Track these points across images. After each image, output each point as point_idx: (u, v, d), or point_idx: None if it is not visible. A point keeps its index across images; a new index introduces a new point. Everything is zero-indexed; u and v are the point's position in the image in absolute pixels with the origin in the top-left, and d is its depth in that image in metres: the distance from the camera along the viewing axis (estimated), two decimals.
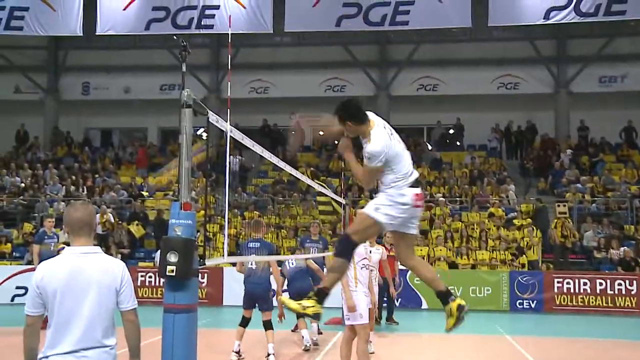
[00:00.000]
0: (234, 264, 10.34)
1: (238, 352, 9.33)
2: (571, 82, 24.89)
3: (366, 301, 7.59)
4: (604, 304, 16.11)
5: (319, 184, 11.41)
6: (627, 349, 11.37)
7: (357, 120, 4.80)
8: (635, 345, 12.03)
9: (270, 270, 9.43)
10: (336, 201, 12.27)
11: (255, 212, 19.20)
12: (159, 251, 8.68)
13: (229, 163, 5.43)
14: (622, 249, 17.47)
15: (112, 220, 19.93)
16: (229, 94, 5.56)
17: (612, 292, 16.11)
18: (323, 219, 13.40)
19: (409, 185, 4.84)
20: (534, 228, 18.32)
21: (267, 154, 6.63)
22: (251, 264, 9.21)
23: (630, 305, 15.98)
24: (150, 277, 17.33)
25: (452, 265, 17.43)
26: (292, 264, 10.17)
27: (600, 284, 16.22)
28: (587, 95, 24.61)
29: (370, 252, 8.65)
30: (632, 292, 16.01)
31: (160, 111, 25.56)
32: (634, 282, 16.08)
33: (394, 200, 4.79)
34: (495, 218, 19.09)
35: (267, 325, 9.26)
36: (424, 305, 16.45)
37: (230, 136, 5.24)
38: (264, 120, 25.99)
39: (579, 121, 24.66)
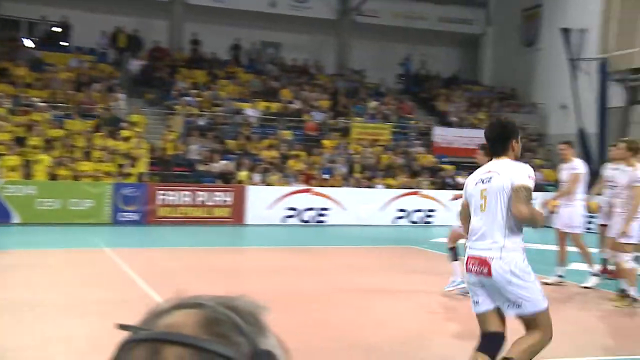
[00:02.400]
0: None
1: None
2: None
3: None
4: (203, 215, 17.94)
5: None
6: (219, 253, 13.16)
7: None
8: (227, 250, 14.08)
9: None
10: None
11: None
12: None
13: None
14: (222, 162, 19.51)
15: None
16: None
17: (210, 203, 18.02)
18: None
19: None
20: (143, 140, 19.13)
21: None
22: None
23: (225, 215, 18.13)
24: None
25: (52, 177, 17.17)
26: None
27: (201, 195, 17.97)
28: (202, 9, 26.03)
29: None
30: (228, 203, 18.17)
31: None
32: (230, 193, 18.24)
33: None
34: (102, 128, 19.25)
35: None
36: (16, 220, 16.00)
37: None
38: None
39: (191, 34, 26.01)
